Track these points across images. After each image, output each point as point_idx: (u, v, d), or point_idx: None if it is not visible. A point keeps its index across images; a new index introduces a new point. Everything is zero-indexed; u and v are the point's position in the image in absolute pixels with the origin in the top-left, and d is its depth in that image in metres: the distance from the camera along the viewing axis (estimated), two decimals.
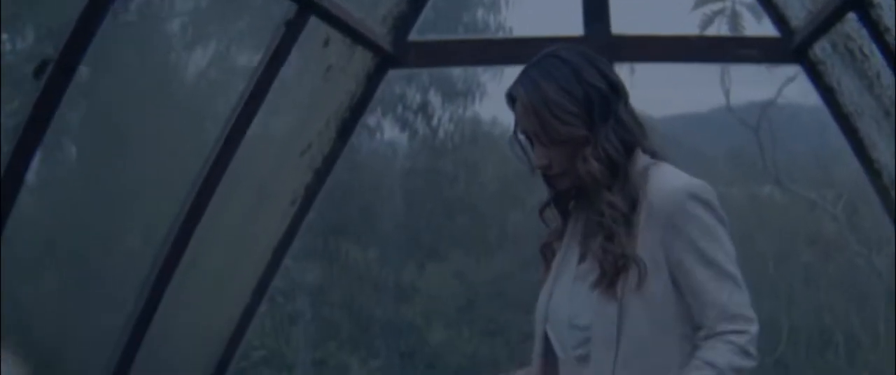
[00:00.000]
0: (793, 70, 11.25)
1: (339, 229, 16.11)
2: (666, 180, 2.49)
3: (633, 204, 2.47)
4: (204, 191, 3.83)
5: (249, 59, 4.52)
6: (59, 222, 4.73)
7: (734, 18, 9.54)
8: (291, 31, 3.69)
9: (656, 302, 2.43)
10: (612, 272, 2.44)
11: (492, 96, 16.87)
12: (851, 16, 4.16)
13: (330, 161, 4.82)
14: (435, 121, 16.94)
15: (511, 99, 2.58)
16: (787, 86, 11.93)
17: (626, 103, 2.57)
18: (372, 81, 4.75)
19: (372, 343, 16.17)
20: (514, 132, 2.61)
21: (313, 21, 3.90)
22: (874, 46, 4.18)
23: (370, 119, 17.11)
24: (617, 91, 2.56)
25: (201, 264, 4.60)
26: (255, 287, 4.97)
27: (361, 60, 4.57)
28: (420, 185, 16.75)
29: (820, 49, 4.69)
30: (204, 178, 3.79)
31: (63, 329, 4.37)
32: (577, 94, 2.50)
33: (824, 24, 4.41)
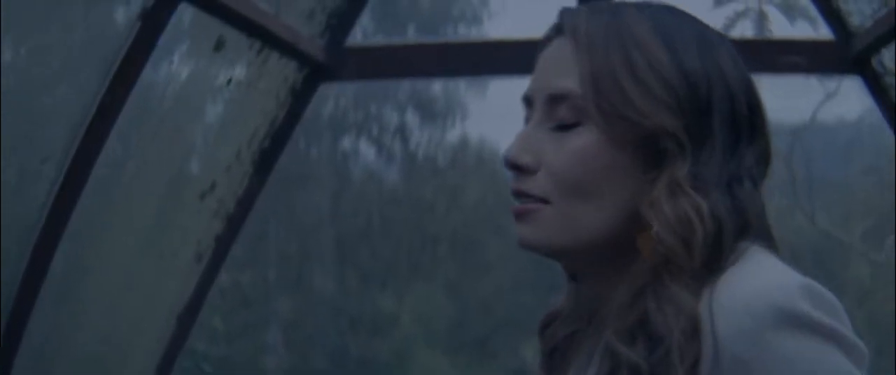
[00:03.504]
0: (833, 84, 10.04)
1: (311, 257, 15.38)
2: (737, 286, 1.21)
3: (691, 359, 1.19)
4: (40, 250, 2.68)
5: None
6: None
7: (761, 20, 8.29)
8: (150, 28, 2.52)
9: None
10: None
11: (474, 116, 16.03)
12: None
13: (246, 202, 3.69)
14: (412, 145, 16.11)
15: (557, 30, 1.31)
16: (824, 104, 10.47)
17: (766, 156, 1.31)
18: (299, 100, 3.61)
19: None
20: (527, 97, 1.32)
21: (198, 15, 2.76)
22: None
23: (345, 141, 16.42)
24: (757, 116, 1.30)
25: (78, 343, 3.53)
26: (159, 364, 3.92)
27: (281, 72, 3.44)
28: (399, 211, 15.89)
29: (888, 56, 3.66)
30: (39, 233, 2.64)
31: None
32: (692, 73, 1.24)
33: None
